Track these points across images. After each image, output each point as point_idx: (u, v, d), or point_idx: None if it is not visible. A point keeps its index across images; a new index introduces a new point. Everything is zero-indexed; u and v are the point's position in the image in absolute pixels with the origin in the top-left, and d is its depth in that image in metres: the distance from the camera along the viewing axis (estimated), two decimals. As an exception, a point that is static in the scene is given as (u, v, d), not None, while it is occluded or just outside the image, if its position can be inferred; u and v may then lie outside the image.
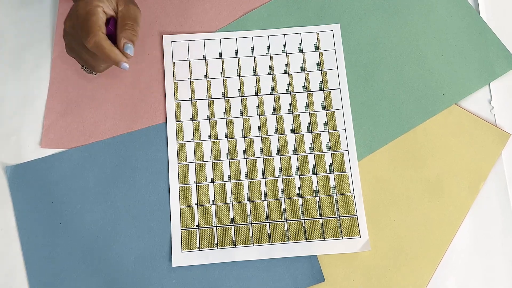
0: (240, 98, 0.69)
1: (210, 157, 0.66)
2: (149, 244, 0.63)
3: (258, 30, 0.71)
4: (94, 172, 0.66)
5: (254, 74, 0.69)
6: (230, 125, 0.68)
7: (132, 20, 0.61)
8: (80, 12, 0.58)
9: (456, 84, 0.69)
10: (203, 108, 0.68)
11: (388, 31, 0.71)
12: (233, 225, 0.64)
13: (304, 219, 0.64)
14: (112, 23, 0.61)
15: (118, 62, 0.59)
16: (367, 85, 0.69)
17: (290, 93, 0.69)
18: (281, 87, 0.69)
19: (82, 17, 0.58)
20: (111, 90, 0.69)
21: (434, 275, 0.62)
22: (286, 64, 0.70)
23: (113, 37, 0.60)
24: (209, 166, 0.66)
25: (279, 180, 0.66)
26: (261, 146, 0.67)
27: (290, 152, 0.67)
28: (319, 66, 0.70)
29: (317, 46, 0.70)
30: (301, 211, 0.64)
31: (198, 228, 0.64)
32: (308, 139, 0.67)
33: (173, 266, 0.62)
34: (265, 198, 0.65)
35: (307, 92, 0.69)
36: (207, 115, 0.68)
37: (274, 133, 0.67)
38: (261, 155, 0.66)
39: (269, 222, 0.64)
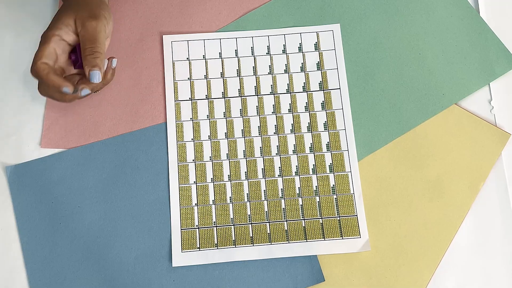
0: (240, 98, 0.69)
1: (210, 157, 0.66)
2: (149, 244, 0.63)
3: (258, 30, 0.71)
4: (94, 172, 0.66)
5: (254, 74, 0.69)
6: (230, 125, 0.68)
7: (90, 43, 0.58)
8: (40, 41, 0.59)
9: (456, 84, 0.69)
10: (203, 108, 0.68)
11: (388, 31, 0.71)
12: (233, 225, 0.64)
13: (304, 219, 0.64)
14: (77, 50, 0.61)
15: (59, 87, 0.58)
16: (367, 85, 0.69)
17: (290, 93, 0.69)
18: (281, 87, 0.69)
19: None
20: (111, 90, 0.69)
21: (434, 275, 0.62)
22: (286, 64, 0.70)
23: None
24: (209, 166, 0.66)
25: (279, 180, 0.66)
26: (261, 146, 0.67)
27: (290, 152, 0.67)
28: (319, 66, 0.70)
29: (317, 46, 0.70)
30: (301, 211, 0.64)
31: (198, 228, 0.64)
32: (308, 139, 0.67)
33: (173, 266, 0.62)
34: (265, 198, 0.65)
35: (307, 92, 0.69)
36: (207, 115, 0.68)
37: (274, 133, 0.67)
38: (261, 155, 0.66)
39: (269, 222, 0.64)
